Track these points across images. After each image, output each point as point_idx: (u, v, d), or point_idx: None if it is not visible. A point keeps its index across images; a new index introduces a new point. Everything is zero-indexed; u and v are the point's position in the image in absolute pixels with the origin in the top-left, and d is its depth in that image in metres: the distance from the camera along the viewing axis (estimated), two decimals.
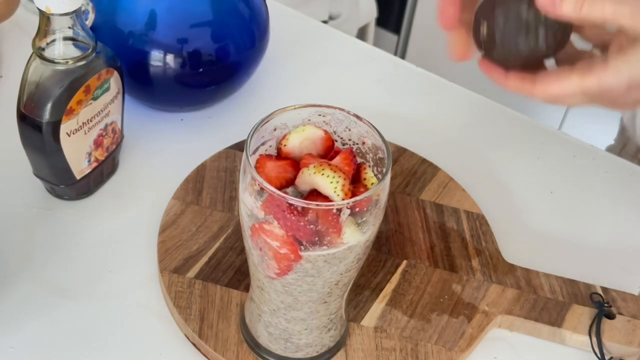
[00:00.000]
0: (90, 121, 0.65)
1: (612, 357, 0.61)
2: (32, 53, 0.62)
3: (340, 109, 0.53)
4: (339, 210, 0.47)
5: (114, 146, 0.71)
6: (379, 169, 0.52)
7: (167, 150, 0.76)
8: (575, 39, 0.57)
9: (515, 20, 0.54)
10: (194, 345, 0.60)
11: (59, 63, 0.61)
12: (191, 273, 0.63)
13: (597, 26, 0.55)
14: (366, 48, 0.93)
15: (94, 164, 0.69)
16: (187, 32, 0.71)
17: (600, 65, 0.52)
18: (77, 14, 0.60)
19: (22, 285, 0.63)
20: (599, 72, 0.52)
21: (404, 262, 0.66)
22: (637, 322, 0.62)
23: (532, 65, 0.56)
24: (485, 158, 0.78)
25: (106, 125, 0.68)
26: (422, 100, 0.81)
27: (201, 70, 0.73)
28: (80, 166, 0.67)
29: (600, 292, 0.65)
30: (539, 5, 0.52)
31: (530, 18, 0.54)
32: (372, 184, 0.50)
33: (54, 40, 0.61)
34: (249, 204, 0.49)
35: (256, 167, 0.49)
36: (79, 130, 0.65)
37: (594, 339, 0.61)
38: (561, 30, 0.54)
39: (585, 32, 0.58)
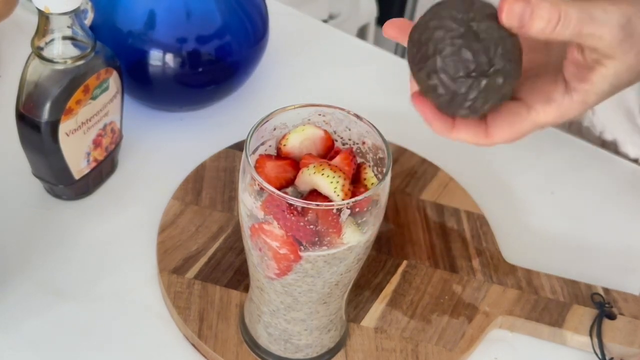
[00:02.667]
0: (89, 121, 0.65)
1: (613, 358, 0.61)
2: (31, 52, 0.62)
3: (340, 108, 0.52)
4: (339, 210, 0.47)
5: (113, 146, 0.70)
6: (379, 169, 0.52)
7: (166, 150, 0.75)
8: None
9: (459, 57, 0.45)
10: (194, 345, 0.60)
11: (58, 63, 0.61)
12: (190, 273, 0.63)
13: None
14: (366, 48, 0.93)
15: (93, 164, 0.68)
16: (186, 32, 0.71)
17: (561, 99, 0.47)
18: (76, 14, 0.60)
19: (21, 285, 0.63)
20: (563, 107, 0.47)
21: (404, 262, 0.66)
22: (638, 323, 0.62)
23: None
24: (485, 158, 0.78)
25: (105, 125, 0.68)
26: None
27: (201, 70, 0.73)
28: (79, 166, 0.67)
29: (601, 292, 0.64)
30: (504, 22, 0.44)
31: (481, 51, 0.45)
32: (372, 184, 0.50)
33: (52, 40, 0.61)
34: (248, 204, 0.49)
35: (256, 167, 0.49)
36: (77, 130, 0.64)
37: (595, 340, 0.61)
38: (517, 62, 0.46)
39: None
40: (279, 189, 0.48)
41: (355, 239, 0.49)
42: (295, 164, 0.50)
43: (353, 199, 0.47)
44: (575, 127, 0.85)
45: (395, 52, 0.91)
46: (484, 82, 0.45)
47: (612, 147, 0.82)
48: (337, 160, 0.50)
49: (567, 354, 0.63)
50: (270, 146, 0.52)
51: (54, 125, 0.62)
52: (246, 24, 0.74)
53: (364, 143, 0.53)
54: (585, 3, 0.45)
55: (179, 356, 0.60)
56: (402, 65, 0.90)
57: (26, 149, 0.65)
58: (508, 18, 0.44)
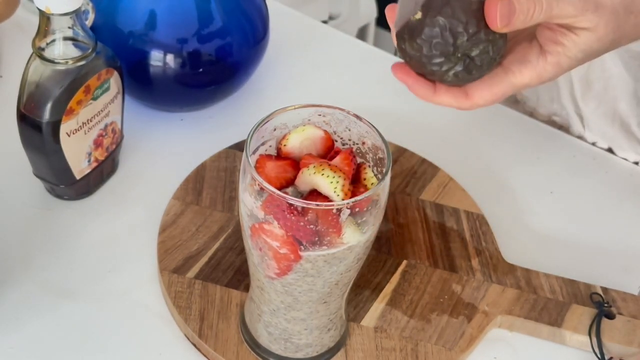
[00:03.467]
0: (90, 121, 0.65)
1: (612, 357, 0.61)
2: (32, 53, 0.62)
3: (340, 109, 0.53)
4: (339, 210, 0.47)
5: (113, 146, 0.71)
6: (379, 169, 0.52)
7: (167, 150, 0.76)
8: None
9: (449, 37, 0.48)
10: (194, 345, 0.60)
11: (59, 63, 0.61)
12: (191, 273, 0.63)
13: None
14: (366, 48, 0.93)
15: (94, 164, 0.69)
16: (187, 32, 0.71)
17: (536, 60, 0.50)
18: (77, 14, 0.60)
19: (22, 285, 0.63)
20: (538, 68, 0.50)
21: (404, 262, 0.66)
22: (637, 322, 0.62)
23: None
24: (485, 158, 0.78)
25: (106, 125, 0.68)
26: (422, 100, 0.81)
27: (201, 70, 0.73)
28: (80, 166, 0.67)
29: (600, 292, 0.65)
30: (492, 26, 0.48)
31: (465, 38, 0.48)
32: (372, 184, 0.50)
33: (53, 40, 0.61)
34: (248, 204, 0.49)
35: (256, 167, 0.49)
36: (78, 130, 0.65)
37: (594, 339, 0.61)
38: (502, 46, 0.50)
39: None
40: (279, 189, 0.48)
41: (355, 238, 0.49)
42: (296, 164, 0.50)
43: (353, 199, 0.47)
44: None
45: (395, 53, 0.91)
46: (474, 51, 0.49)
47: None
48: (337, 160, 0.50)
49: (566, 353, 0.63)
50: (270, 146, 0.52)
51: (55, 126, 0.62)
52: (246, 25, 0.75)
53: (363, 143, 0.53)
54: None
55: (180, 355, 0.60)
56: None
57: (27, 149, 0.65)
58: (498, 21, 0.47)
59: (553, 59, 0.50)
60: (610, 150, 0.81)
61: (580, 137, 0.82)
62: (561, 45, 0.49)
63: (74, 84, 0.62)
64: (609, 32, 0.49)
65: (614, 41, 0.50)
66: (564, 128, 0.83)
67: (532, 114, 0.85)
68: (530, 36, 0.52)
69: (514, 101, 0.86)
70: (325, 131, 0.52)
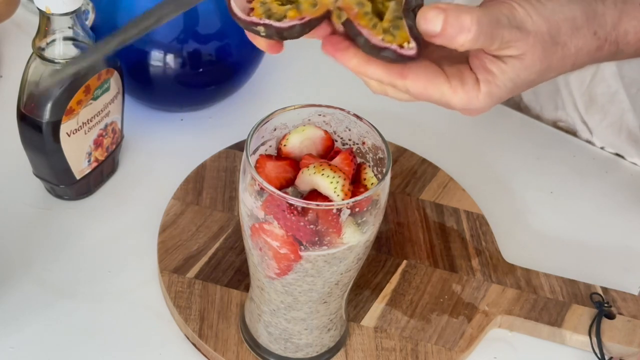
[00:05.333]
0: (90, 121, 0.65)
1: (612, 357, 0.61)
2: (32, 53, 0.62)
3: (340, 109, 0.53)
4: (339, 210, 0.47)
5: (114, 146, 0.71)
6: (379, 169, 0.52)
7: (167, 150, 0.76)
8: None
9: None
10: (194, 345, 0.60)
11: (59, 63, 0.61)
12: (191, 273, 0.63)
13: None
14: None
15: (94, 164, 0.69)
16: (187, 32, 0.71)
17: (471, 85, 0.49)
18: (77, 14, 0.60)
19: (22, 285, 0.63)
20: (470, 94, 0.49)
21: (404, 262, 0.66)
22: (637, 322, 0.62)
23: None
24: (485, 158, 0.78)
25: (106, 125, 0.68)
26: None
27: (201, 70, 0.73)
28: (80, 166, 0.67)
29: (600, 292, 0.65)
30: (432, 38, 0.46)
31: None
32: (372, 184, 0.50)
33: (54, 40, 0.61)
34: (249, 204, 0.49)
35: (256, 167, 0.49)
36: (79, 130, 0.65)
37: (594, 339, 0.61)
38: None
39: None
40: (279, 189, 0.48)
41: (355, 238, 0.49)
42: (296, 164, 0.50)
43: (353, 199, 0.47)
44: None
45: None
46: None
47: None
48: (337, 160, 0.50)
49: (566, 353, 0.63)
50: (270, 146, 0.53)
51: (55, 126, 0.63)
52: None
53: (364, 143, 0.53)
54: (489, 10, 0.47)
55: (180, 355, 0.60)
56: None
57: (27, 149, 0.65)
58: (428, 28, 0.45)
59: (485, 89, 0.49)
60: (618, 155, 0.81)
61: (588, 142, 0.82)
62: (491, 73, 0.49)
63: (74, 84, 0.62)
64: (535, 61, 0.49)
65: (540, 72, 0.50)
66: (571, 132, 0.83)
67: (537, 120, 0.85)
68: (466, 61, 0.51)
69: (516, 109, 0.86)
70: (325, 131, 0.52)
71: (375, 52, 0.46)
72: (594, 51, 0.52)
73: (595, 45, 0.51)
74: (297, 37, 0.46)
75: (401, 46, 0.46)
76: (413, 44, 0.46)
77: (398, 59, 0.46)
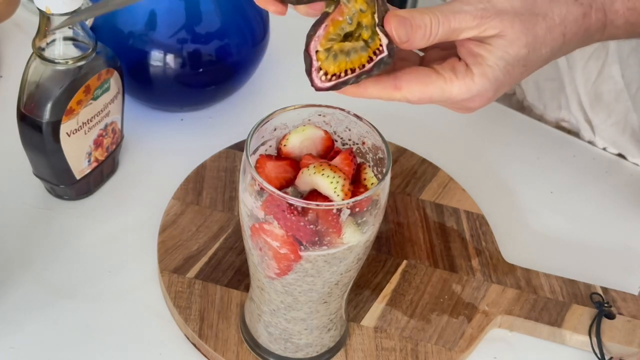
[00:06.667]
0: (90, 121, 0.65)
1: (612, 357, 0.61)
2: (32, 53, 0.62)
3: (340, 109, 0.53)
4: (339, 210, 0.47)
5: (114, 146, 0.71)
6: (379, 169, 0.52)
7: (167, 150, 0.76)
8: None
9: None
10: (194, 345, 0.60)
11: (59, 63, 0.61)
12: (191, 273, 0.63)
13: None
14: None
15: (94, 164, 0.69)
16: (187, 32, 0.71)
17: (463, 73, 0.50)
18: (77, 14, 0.60)
19: (22, 285, 0.63)
20: (466, 80, 0.50)
21: (404, 262, 0.66)
22: (637, 322, 0.62)
23: None
24: (485, 158, 0.78)
25: (106, 125, 0.68)
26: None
27: (201, 70, 0.73)
28: (80, 166, 0.67)
29: (600, 292, 0.65)
30: (395, 41, 0.48)
31: None
32: (372, 184, 0.50)
33: (54, 40, 0.61)
34: (249, 204, 0.49)
35: (256, 167, 0.49)
36: (79, 130, 0.65)
37: (594, 339, 0.61)
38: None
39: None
40: (279, 189, 0.48)
41: (355, 239, 0.49)
42: (296, 164, 0.51)
43: (353, 199, 0.47)
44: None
45: None
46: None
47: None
48: (337, 160, 0.50)
49: (566, 353, 0.63)
50: (270, 146, 0.53)
51: (55, 126, 0.63)
52: (246, 25, 0.75)
53: (364, 143, 0.53)
54: (447, 4, 0.49)
55: (180, 355, 0.60)
56: None
57: (27, 149, 0.65)
58: (395, 36, 0.48)
59: (477, 71, 0.50)
60: (620, 155, 0.81)
61: (590, 142, 0.82)
62: (479, 56, 0.50)
63: (74, 84, 0.62)
64: (518, 35, 0.50)
65: (529, 44, 0.51)
66: (573, 133, 0.83)
67: (540, 120, 0.85)
68: (455, 55, 0.53)
69: (519, 107, 0.86)
70: (325, 131, 0.52)
71: (307, 59, 0.50)
72: (581, 19, 0.52)
73: (580, 12, 0.52)
74: (296, 3, 0.50)
75: (318, 72, 0.50)
76: (384, 50, 0.48)
77: (307, 67, 0.50)
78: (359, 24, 0.49)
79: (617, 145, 0.80)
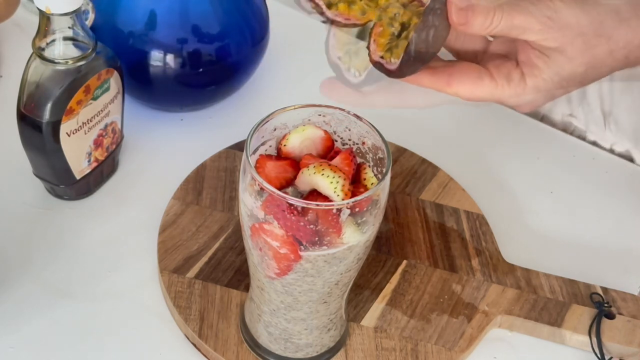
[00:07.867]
0: (90, 121, 0.65)
1: (612, 357, 0.61)
2: (32, 53, 0.62)
3: (340, 109, 0.53)
4: (339, 210, 0.47)
5: (114, 146, 0.71)
6: (379, 169, 0.52)
7: (167, 150, 0.76)
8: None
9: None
10: (194, 345, 0.60)
11: (59, 63, 0.61)
12: (191, 273, 0.63)
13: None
14: None
15: (94, 164, 0.69)
16: (187, 32, 0.71)
17: (517, 81, 0.51)
18: (77, 14, 0.60)
19: (22, 285, 0.63)
20: (518, 89, 0.51)
21: (404, 262, 0.66)
22: (637, 322, 0.62)
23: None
24: (485, 158, 0.78)
25: (106, 125, 0.68)
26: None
27: (201, 70, 0.73)
28: (80, 166, 0.67)
29: (600, 292, 0.65)
30: (452, 21, 0.50)
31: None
32: (372, 184, 0.50)
33: (54, 40, 0.61)
34: (249, 204, 0.49)
35: (256, 167, 0.49)
36: (79, 130, 0.65)
37: (594, 339, 0.61)
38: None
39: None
40: (279, 189, 0.48)
41: (355, 238, 0.49)
42: (296, 164, 0.51)
43: (353, 199, 0.47)
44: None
45: None
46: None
47: (625, 158, 0.81)
48: (337, 160, 0.50)
49: (566, 353, 0.63)
50: (270, 146, 0.53)
51: (55, 126, 0.63)
52: (246, 25, 0.75)
53: (363, 143, 0.53)
54: (514, 0, 0.50)
55: (180, 356, 0.60)
56: None
57: (27, 149, 0.65)
58: (456, 16, 0.49)
59: (531, 82, 0.51)
60: (626, 154, 0.80)
61: (594, 143, 0.81)
62: (536, 67, 0.51)
63: (74, 84, 0.62)
64: (577, 53, 0.50)
65: (588, 64, 0.51)
66: (576, 132, 0.83)
67: (543, 118, 0.85)
68: (515, 58, 0.54)
69: None
70: (325, 131, 0.52)
71: (376, 66, 0.52)
72: None
73: None
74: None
75: (388, 61, 0.51)
76: (395, 61, 0.50)
77: (384, 72, 0.52)
78: (402, 25, 0.51)
79: (625, 145, 0.79)
